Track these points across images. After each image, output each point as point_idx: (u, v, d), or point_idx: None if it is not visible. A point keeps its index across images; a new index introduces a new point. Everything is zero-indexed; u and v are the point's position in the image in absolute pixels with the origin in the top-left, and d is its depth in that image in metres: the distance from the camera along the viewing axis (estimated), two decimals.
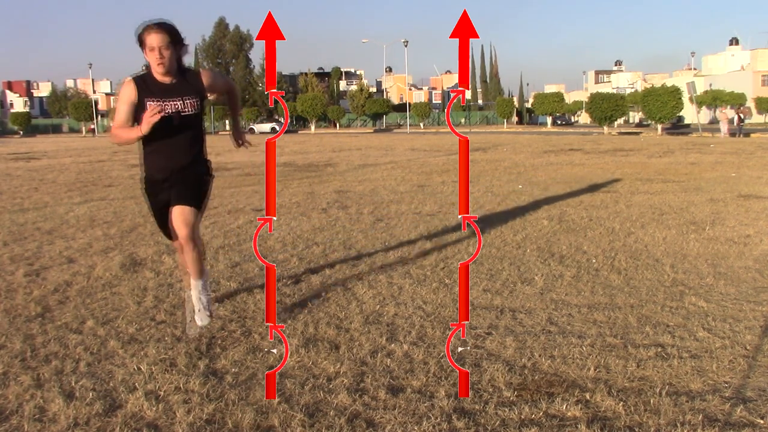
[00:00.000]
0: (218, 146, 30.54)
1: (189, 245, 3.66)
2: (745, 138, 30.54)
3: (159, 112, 3.30)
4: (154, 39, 3.36)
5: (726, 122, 33.63)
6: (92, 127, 68.59)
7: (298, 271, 5.17)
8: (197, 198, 3.73)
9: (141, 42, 3.41)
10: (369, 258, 5.62)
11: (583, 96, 79.17)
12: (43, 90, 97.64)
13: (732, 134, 32.55)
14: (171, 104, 3.50)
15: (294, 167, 16.47)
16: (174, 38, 3.43)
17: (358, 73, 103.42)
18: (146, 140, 3.51)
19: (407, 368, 3.21)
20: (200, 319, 3.67)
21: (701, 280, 4.78)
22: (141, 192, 3.82)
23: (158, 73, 3.45)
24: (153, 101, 3.44)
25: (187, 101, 3.55)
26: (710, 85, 66.87)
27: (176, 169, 3.64)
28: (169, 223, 3.66)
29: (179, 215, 3.60)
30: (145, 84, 3.49)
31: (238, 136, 4.03)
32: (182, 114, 3.53)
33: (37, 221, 7.94)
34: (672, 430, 2.58)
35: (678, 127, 48.80)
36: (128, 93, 3.46)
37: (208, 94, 3.70)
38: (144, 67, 3.59)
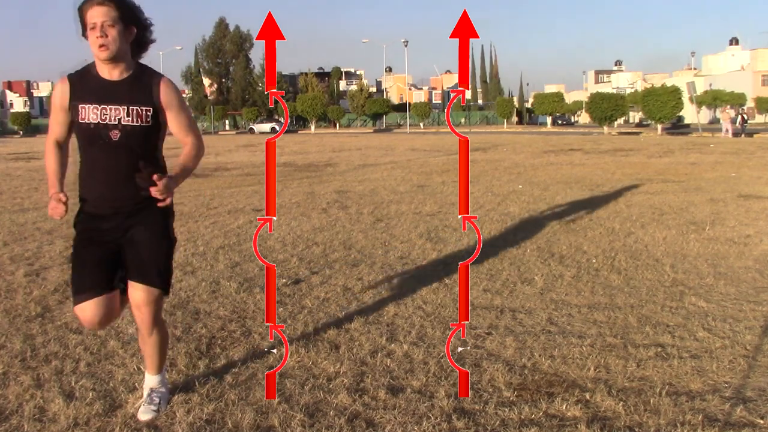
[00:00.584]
0: (218, 146, 30.55)
1: (150, 330, 2.73)
2: (747, 138, 30.51)
3: (56, 213, 2.55)
4: (95, 13, 2.45)
5: (729, 122, 33.59)
6: None
7: (298, 271, 5.17)
8: (162, 263, 2.68)
9: (82, 21, 2.52)
10: (369, 258, 5.62)
11: (583, 96, 79.14)
12: (43, 90, 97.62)
13: (735, 134, 32.51)
14: (111, 111, 2.54)
15: (294, 167, 16.47)
16: (125, 14, 2.49)
17: (358, 73, 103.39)
18: (81, 156, 2.64)
19: (407, 368, 3.21)
20: (144, 413, 2.72)
21: (701, 280, 4.78)
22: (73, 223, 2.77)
23: (100, 60, 2.52)
24: (86, 106, 2.52)
25: (134, 109, 2.55)
26: (710, 84, 66.89)
27: (121, 208, 2.62)
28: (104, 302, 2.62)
29: (140, 293, 2.65)
30: (81, 81, 2.58)
31: (149, 181, 2.58)
32: (125, 126, 2.54)
33: (37, 221, 7.94)
34: (672, 430, 2.58)
35: (678, 127, 48.79)
36: (58, 95, 2.60)
37: (163, 115, 2.64)
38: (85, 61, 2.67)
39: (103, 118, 2.52)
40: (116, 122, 2.54)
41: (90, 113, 2.52)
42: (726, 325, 3.77)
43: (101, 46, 2.48)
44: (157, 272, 2.66)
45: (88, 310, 2.58)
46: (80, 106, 2.54)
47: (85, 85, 2.57)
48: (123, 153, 2.56)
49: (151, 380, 2.84)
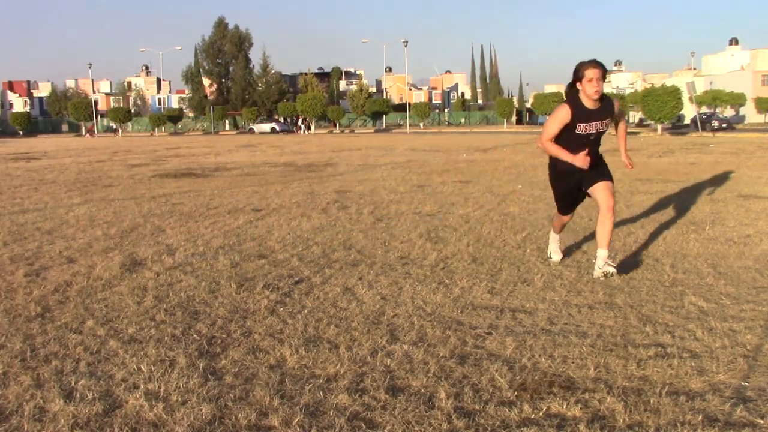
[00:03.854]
0: (218, 146, 30.55)
1: (611, 214, 4.74)
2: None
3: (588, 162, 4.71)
4: (594, 73, 4.51)
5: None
6: (92, 126, 68.62)
7: (298, 271, 5.17)
8: (610, 176, 4.88)
9: (579, 73, 4.58)
10: (369, 258, 5.62)
11: None
12: (43, 90, 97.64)
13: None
14: (593, 126, 4.69)
15: (294, 167, 16.47)
16: (605, 73, 4.61)
17: (358, 73, 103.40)
18: (567, 145, 4.73)
19: (407, 368, 3.21)
20: (602, 270, 4.77)
21: (701, 280, 4.78)
22: (549, 178, 5.15)
23: (591, 98, 4.59)
24: (581, 124, 4.65)
25: (604, 122, 4.72)
26: (711, 83, 66.89)
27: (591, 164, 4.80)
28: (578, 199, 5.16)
29: (606, 188, 4.77)
30: (576, 108, 4.64)
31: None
32: (599, 132, 4.75)
33: (37, 221, 7.94)
34: (672, 430, 2.58)
35: (678, 127, 48.80)
36: (566, 115, 4.66)
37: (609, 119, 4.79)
38: (569, 94, 4.74)
39: (588, 129, 4.70)
40: (595, 131, 4.73)
41: (583, 128, 4.68)
42: (726, 325, 3.77)
43: (596, 91, 4.55)
44: (608, 175, 4.90)
45: (566, 218, 5.36)
46: (579, 123, 4.66)
47: (579, 110, 4.65)
48: (594, 144, 4.80)
49: (603, 253, 4.78)
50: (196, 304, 4.34)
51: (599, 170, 4.84)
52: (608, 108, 4.70)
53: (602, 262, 4.73)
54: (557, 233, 5.43)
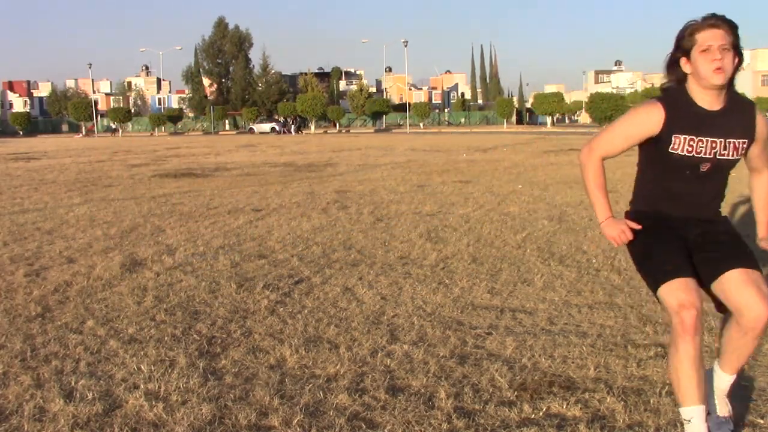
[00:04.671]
0: (218, 146, 30.56)
1: (761, 331, 2.36)
2: None
3: (625, 238, 2.51)
4: (709, 35, 2.31)
5: None
6: (92, 126, 68.67)
7: (298, 271, 5.17)
8: (752, 258, 2.44)
9: (683, 43, 2.38)
10: (369, 258, 5.62)
11: (583, 96, 79.17)
12: (43, 90, 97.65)
13: None
14: (707, 143, 2.39)
15: (294, 167, 16.47)
16: (737, 42, 2.35)
17: (358, 73, 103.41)
18: (647, 174, 2.61)
19: (407, 368, 3.20)
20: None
21: None
22: (628, 217, 2.61)
23: (710, 86, 2.34)
24: (680, 137, 2.39)
25: (731, 143, 2.41)
26: None
27: (696, 219, 2.55)
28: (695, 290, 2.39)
29: (749, 281, 2.34)
30: (675, 109, 2.40)
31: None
32: (719, 159, 2.42)
33: (37, 221, 7.94)
34: (672, 430, 2.58)
35: None
36: (646, 121, 2.43)
37: (753, 148, 2.51)
38: (667, 83, 2.50)
39: (699, 150, 2.40)
40: (711, 155, 2.41)
41: (686, 144, 2.40)
42: None
43: (717, 69, 2.30)
44: (747, 256, 2.45)
45: (684, 289, 2.34)
46: (675, 136, 2.40)
47: (680, 114, 2.40)
48: (707, 183, 2.50)
49: (727, 379, 2.57)
50: (196, 304, 4.34)
51: (725, 245, 2.50)
52: (745, 117, 2.45)
53: (724, 397, 2.59)
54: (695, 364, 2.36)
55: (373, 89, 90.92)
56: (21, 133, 68.24)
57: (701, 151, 2.39)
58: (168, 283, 4.87)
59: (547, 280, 4.82)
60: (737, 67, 2.33)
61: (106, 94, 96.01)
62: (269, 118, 66.91)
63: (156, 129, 69.33)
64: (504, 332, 3.71)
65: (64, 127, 77.16)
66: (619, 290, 4.53)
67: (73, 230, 7.26)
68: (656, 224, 2.51)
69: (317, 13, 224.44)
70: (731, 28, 2.32)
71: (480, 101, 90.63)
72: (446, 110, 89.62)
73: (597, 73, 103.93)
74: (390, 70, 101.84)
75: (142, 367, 3.24)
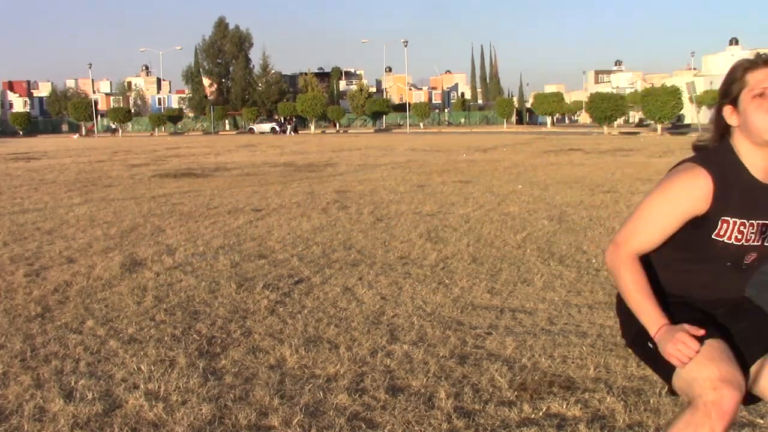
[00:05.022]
0: (218, 146, 30.55)
1: None
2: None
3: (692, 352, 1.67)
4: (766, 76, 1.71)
5: None
6: (92, 126, 68.70)
7: (298, 271, 5.17)
8: None
9: (732, 87, 1.78)
10: (369, 258, 5.62)
11: (583, 96, 79.16)
12: (43, 90, 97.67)
13: None
14: (758, 229, 1.77)
15: (294, 167, 16.47)
16: None
17: (358, 73, 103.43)
18: (675, 261, 1.86)
19: (407, 368, 3.20)
20: None
21: None
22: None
23: (764, 145, 1.72)
24: (730, 220, 1.74)
25: None
26: (711, 83, 66.91)
27: (730, 302, 1.92)
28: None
29: None
30: (724, 177, 1.74)
31: None
32: (766, 247, 1.81)
33: (37, 221, 7.94)
34: None
35: (678, 127, 48.83)
36: (696, 197, 1.74)
37: None
38: (703, 141, 1.91)
39: (748, 238, 1.76)
40: (759, 242, 1.78)
41: (735, 231, 1.74)
42: None
43: None
44: None
45: (726, 360, 1.69)
46: (723, 219, 1.74)
47: (731, 186, 1.74)
48: (745, 275, 1.88)
49: None
50: (196, 304, 4.34)
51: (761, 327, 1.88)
52: None
53: None
54: None
55: (373, 89, 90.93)
56: (21, 133, 68.23)
57: (751, 238, 1.76)
58: (168, 283, 4.87)
59: (547, 280, 4.82)
60: None
61: (106, 94, 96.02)
62: (269, 118, 66.90)
63: (156, 129, 69.32)
64: (504, 332, 3.70)
65: (64, 127, 77.15)
66: None
67: (73, 230, 7.26)
68: (675, 300, 1.88)
69: (317, 13, 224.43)
70: None
71: (480, 101, 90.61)
72: (446, 110, 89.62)
73: (597, 73, 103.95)
74: (390, 70, 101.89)
75: (142, 367, 3.24)
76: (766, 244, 1.79)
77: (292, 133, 57.16)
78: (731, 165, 1.75)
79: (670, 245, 1.83)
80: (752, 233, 1.76)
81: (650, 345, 1.77)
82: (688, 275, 1.87)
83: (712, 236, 1.76)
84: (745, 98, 1.72)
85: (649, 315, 1.75)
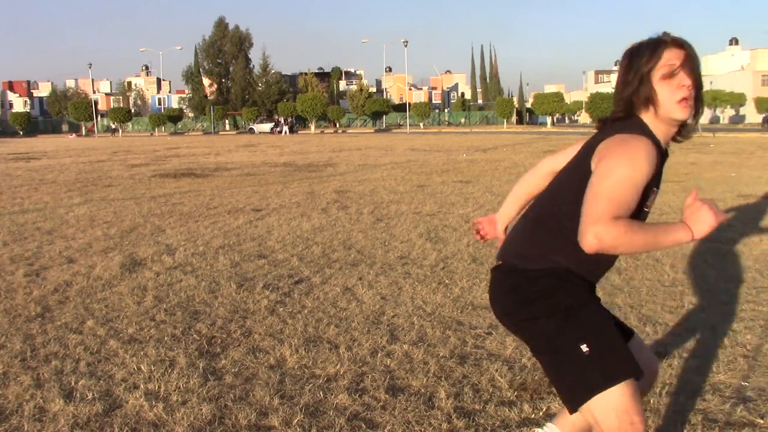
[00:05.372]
0: (218, 146, 30.55)
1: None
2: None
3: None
4: (676, 56, 1.76)
5: None
6: (92, 126, 68.74)
7: (298, 271, 5.17)
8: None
9: (647, 63, 1.76)
10: (369, 258, 5.62)
11: (583, 96, 79.21)
12: (43, 90, 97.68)
13: None
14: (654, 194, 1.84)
15: (294, 167, 16.47)
16: (699, 73, 1.81)
17: (358, 73, 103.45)
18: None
19: (407, 368, 3.21)
20: None
21: (701, 280, 4.78)
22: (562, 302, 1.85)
23: (675, 119, 1.78)
24: (655, 191, 1.84)
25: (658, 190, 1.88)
26: (711, 83, 66.91)
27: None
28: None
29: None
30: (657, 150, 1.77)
31: None
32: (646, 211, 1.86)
33: (37, 221, 7.94)
34: (672, 430, 2.58)
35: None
36: (653, 165, 1.72)
37: None
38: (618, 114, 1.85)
39: (654, 199, 1.85)
40: (647, 209, 1.85)
41: (653, 200, 1.84)
42: (726, 325, 3.77)
43: (683, 99, 1.75)
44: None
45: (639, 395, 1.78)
46: (653, 189, 1.81)
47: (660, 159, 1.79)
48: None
49: None
50: (196, 304, 4.34)
51: None
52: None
53: None
54: None
55: (373, 89, 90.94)
56: (21, 133, 68.23)
57: (655, 197, 1.85)
58: (168, 283, 4.87)
59: None
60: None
61: (106, 94, 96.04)
62: (269, 118, 66.93)
63: (156, 129, 69.34)
64: (504, 332, 3.70)
65: (64, 127, 77.18)
66: (619, 290, 4.53)
67: (73, 230, 7.26)
68: (594, 296, 1.91)
69: (317, 13, 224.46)
70: (694, 52, 1.78)
71: (480, 101, 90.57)
72: (446, 110, 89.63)
73: (597, 73, 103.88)
74: (390, 70, 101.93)
75: (142, 367, 3.24)
76: (647, 208, 1.83)
77: (287, 133, 57.19)
78: (653, 137, 1.79)
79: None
80: (656, 193, 1.84)
81: (584, 348, 1.76)
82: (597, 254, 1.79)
83: (643, 207, 1.80)
84: (655, 76, 1.76)
85: (668, 229, 1.70)
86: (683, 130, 1.84)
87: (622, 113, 1.83)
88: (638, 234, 1.65)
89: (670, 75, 1.74)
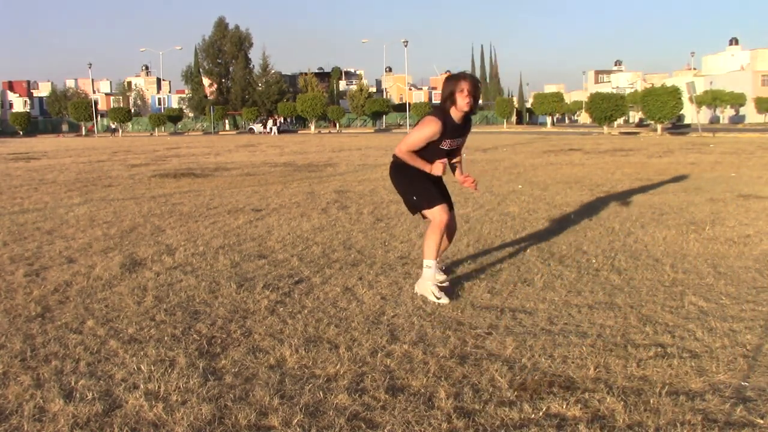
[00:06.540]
0: (218, 146, 30.55)
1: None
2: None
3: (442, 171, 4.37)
4: (467, 85, 4.20)
5: None
6: (92, 127, 68.73)
7: (298, 271, 5.17)
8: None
9: (452, 89, 4.23)
10: (369, 258, 5.62)
11: (583, 96, 79.19)
12: (43, 90, 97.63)
13: None
14: (455, 141, 4.44)
15: (294, 167, 16.47)
16: (476, 91, 4.29)
17: (358, 73, 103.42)
18: (425, 155, 4.39)
19: (407, 368, 3.21)
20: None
21: (701, 280, 4.78)
22: (401, 173, 4.49)
23: (462, 111, 4.28)
24: (447, 140, 4.35)
25: (462, 139, 4.51)
26: (711, 83, 66.91)
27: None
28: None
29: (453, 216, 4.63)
30: (446, 124, 4.27)
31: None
32: (457, 147, 4.55)
33: (37, 221, 7.94)
34: (672, 430, 2.58)
35: (678, 126, 48.83)
36: (433, 130, 4.26)
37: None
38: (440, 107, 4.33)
39: (452, 145, 4.43)
40: (455, 146, 4.49)
41: (448, 144, 4.39)
42: (726, 325, 3.77)
43: (468, 103, 4.23)
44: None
45: (447, 217, 4.37)
46: (444, 140, 4.34)
47: (446, 126, 4.29)
48: (451, 155, 4.57)
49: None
50: (196, 304, 4.34)
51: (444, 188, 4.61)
52: (467, 126, 4.46)
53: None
54: (438, 256, 4.46)
55: (373, 89, 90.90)
56: (21, 133, 68.22)
57: (453, 145, 4.45)
58: (168, 283, 4.87)
59: (547, 280, 4.82)
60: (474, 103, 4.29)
61: (106, 94, 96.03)
62: (269, 118, 66.98)
63: (156, 129, 69.32)
64: (504, 332, 3.71)
65: (65, 127, 77.17)
66: (619, 290, 4.53)
67: (73, 230, 7.26)
68: (428, 176, 4.43)
69: (317, 13, 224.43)
70: (477, 84, 4.29)
71: (480, 101, 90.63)
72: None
73: (597, 73, 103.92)
74: (390, 70, 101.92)
75: (142, 367, 3.24)
76: (456, 145, 4.46)
77: (276, 133, 57.27)
78: (448, 117, 4.29)
79: (423, 150, 4.36)
80: (453, 144, 4.42)
81: (414, 198, 4.44)
82: (431, 159, 4.37)
83: (439, 146, 4.35)
84: (457, 92, 4.22)
85: (424, 165, 4.35)
86: (471, 112, 4.33)
87: (441, 106, 4.34)
88: (410, 157, 4.35)
89: (461, 91, 4.21)
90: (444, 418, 2.69)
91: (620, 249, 5.85)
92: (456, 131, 4.34)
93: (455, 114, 4.27)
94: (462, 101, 4.18)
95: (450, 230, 4.60)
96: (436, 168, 4.30)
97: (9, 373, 3.20)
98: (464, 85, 4.16)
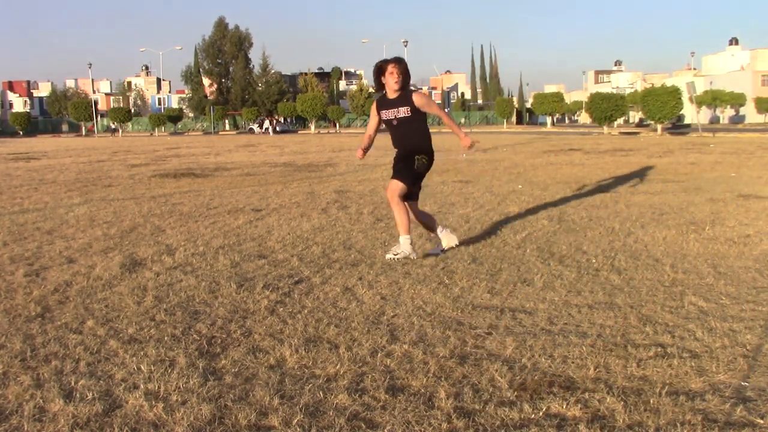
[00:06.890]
0: (218, 146, 30.56)
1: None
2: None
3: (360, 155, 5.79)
4: (393, 68, 5.38)
5: None
6: (92, 127, 68.75)
7: (298, 271, 5.17)
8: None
9: (382, 73, 5.46)
10: (369, 258, 5.62)
11: (583, 96, 79.20)
12: (43, 90, 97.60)
13: None
14: (393, 113, 5.52)
15: (294, 167, 16.47)
16: (404, 68, 5.45)
17: (358, 73, 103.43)
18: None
19: (407, 368, 3.20)
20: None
21: (701, 280, 4.78)
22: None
23: (393, 90, 5.46)
24: (384, 112, 5.56)
25: (400, 110, 5.47)
26: (711, 83, 66.92)
27: (407, 148, 5.66)
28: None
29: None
30: (382, 102, 5.59)
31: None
32: (399, 118, 5.51)
33: (37, 221, 7.94)
34: (672, 430, 2.58)
35: (678, 126, 48.83)
36: (375, 109, 5.67)
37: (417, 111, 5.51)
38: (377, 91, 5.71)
39: (391, 117, 5.53)
40: (394, 117, 5.51)
41: (388, 116, 5.55)
42: (726, 325, 3.77)
43: (396, 82, 5.39)
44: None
45: (393, 184, 5.56)
46: (383, 112, 5.58)
47: (382, 103, 5.58)
48: (399, 129, 5.58)
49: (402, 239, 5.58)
50: (196, 304, 4.34)
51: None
52: (406, 98, 5.45)
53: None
54: (407, 231, 5.63)
55: (373, 89, 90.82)
56: (21, 133, 68.22)
57: (393, 116, 5.50)
58: (168, 283, 4.87)
59: (547, 280, 4.82)
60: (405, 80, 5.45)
61: (106, 94, 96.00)
62: (265, 117, 67.05)
63: (156, 129, 69.32)
64: (504, 332, 3.71)
65: (64, 127, 77.16)
66: (619, 290, 4.53)
67: (73, 230, 7.26)
68: (400, 160, 5.68)
69: (317, 13, 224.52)
70: (400, 62, 5.45)
71: (480, 101, 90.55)
72: (446, 110, 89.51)
73: (597, 73, 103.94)
74: None
75: (142, 367, 3.24)
76: (398, 117, 5.50)
77: (271, 132, 57.31)
78: (384, 96, 5.58)
79: (384, 126, 5.67)
80: (392, 115, 5.53)
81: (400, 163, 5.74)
82: (391, 133, 5.65)
83: (382, 119, 5.63)
84: (386, 76, 5.45)
85: (363, 144, 5.80)
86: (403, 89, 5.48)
87: (376, 91, 5.71)
88: (366, 137, 5.85)
89: (390, 73, 5.42)
90: (444, 418, 2.69)
91: (620, 249, 5.85)
92: (389, 104, 5.51)
93: (391, 94, 5.50)
94: (392, 81, 5.39)
95: (412, 212, 5.84)
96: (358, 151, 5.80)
97: (9, 373, 3.20)
98: (390, 68, 5.38)
